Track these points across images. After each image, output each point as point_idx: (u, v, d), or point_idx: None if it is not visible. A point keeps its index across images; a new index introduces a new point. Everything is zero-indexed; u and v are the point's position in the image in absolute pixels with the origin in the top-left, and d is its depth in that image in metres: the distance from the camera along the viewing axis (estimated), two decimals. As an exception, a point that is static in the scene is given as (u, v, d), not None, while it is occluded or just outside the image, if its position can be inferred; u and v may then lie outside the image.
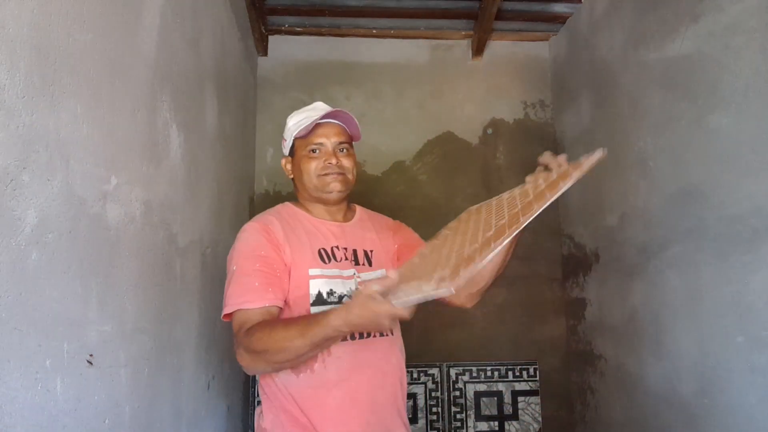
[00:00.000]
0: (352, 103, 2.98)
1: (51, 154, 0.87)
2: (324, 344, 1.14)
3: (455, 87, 3.04)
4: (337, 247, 1.36)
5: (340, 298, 1.29)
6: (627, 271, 2.18)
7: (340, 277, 1.32)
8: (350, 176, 1.39)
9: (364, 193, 2.91)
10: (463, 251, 0.98)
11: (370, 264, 1.40)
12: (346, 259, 1.36)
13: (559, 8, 2.81)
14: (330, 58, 3.00)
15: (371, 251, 1.42)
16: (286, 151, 1.46)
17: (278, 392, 1.28)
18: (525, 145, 3.02)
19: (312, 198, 1.41)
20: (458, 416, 2.76)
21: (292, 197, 2.96)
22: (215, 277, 1.98)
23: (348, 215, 1.47)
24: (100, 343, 1.05)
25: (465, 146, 3.00)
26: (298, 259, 1.30)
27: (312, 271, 1.29)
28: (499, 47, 3.06)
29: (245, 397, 2.62)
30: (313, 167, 1.36)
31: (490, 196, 3.25)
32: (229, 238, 2.30)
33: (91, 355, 1.00)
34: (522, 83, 3.07)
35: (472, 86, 3.04)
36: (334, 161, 1.35)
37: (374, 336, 1.31)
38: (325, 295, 1.29)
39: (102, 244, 1.06)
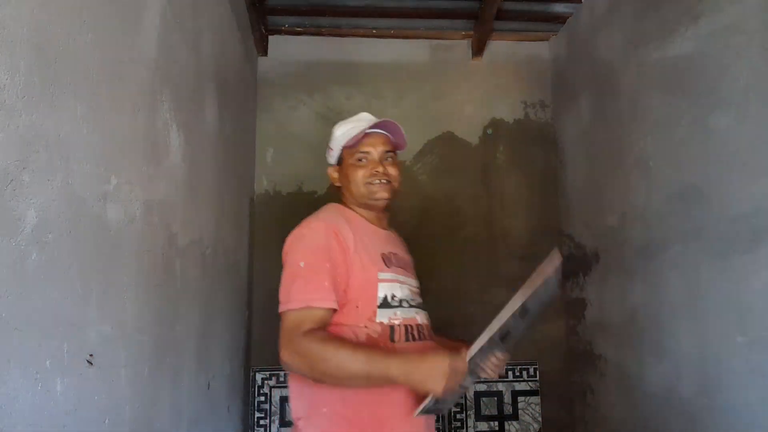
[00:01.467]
0: (352, 104, 2.98)
1: (51, 154, 0.87)
2: (377, 382, 1.19)
3: (455, 87, 3.03)
4: (393, 253, 1.42)
5: (400, 302, 1.35)
6: (627, 271, 2.18)
7: (397, 281, 1.37)
8: (395, 184, 1.45)
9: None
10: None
11: (412, 272, 1.49)
12: (399, 264, 1.42)
13: (559, 8, 2.81)
14: (330, 58, 2.99)
15: (408, 261, 1.51)
16: (333, 160, 1.51)
17: (327, 398, 1.27)
18: (525, 145, 3.02)
19: (359, 204, 1.45)
20: (458, 416, 2.76)
21: (292, 198, 2.98)
22: (215, 277, 1.98)
23: (387, 222, 1.55)
24: (100, 343, 1.05)
25: (465, 146, 3.00)
26: (366, 262, 1.32)
27: (381, 275, 1.33)
28: (499, 47, 3.06)
29: (245, 397, 2.62)
30: (360, 175, 1.41)
31: (490, 196, 3.26)
32: (229, 238, 2.32)
33: (91, 355, 1.00)
34: (522, 83, 3.07)
35: (472, 86, 3.04)
36: (380, 170, 1.41)
37: (418, 340, 1.35)
38: (389, 299, 1.33)
39: (102, 244, 1.06)
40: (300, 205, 2.87)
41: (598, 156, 2.48)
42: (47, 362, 0.86)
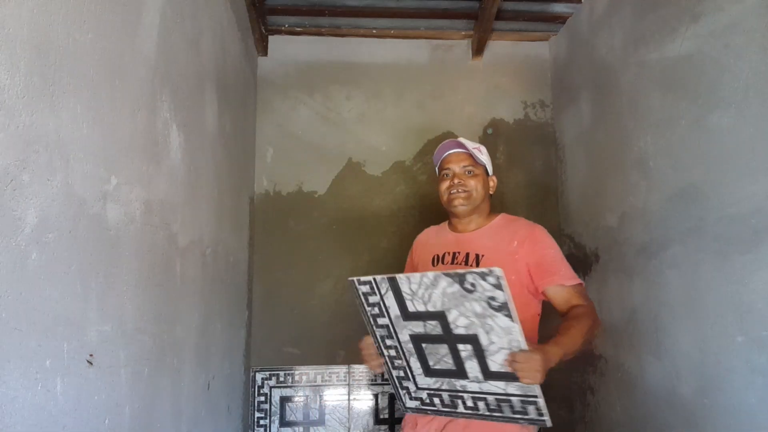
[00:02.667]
0: (352, 103, 2.98)
1: (51, 154, 0.87)
2: None
3: (455, 87, 3.03)
4: (449, 253, 1.67)
5: None
6: (627, 271, 2.18)
7: None
8: (475, 193, 1.67)
9: (364, 193, 2.92)
10: None
11: (477, 265, 1.62)
12: (455, 261, 1.65)
13: (559, 8, 2.81)
14: (330, 58, 3.00)
15: (482, 255, 1.63)
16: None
17: None
18: (525, 145, 3.02)
19: (448, 210, 1.74)
20: (458, 416, 2.76)
21: (292, 198, 3.00)
22: (215, 277, 1.98)
23: (479, 223, 1.73)
24: (100, 343, 1.05)
25: (465, 146, 2.99)
26: (421, 265, 1.74)
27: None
28: (499, 47, 3.06)
29: (245, 397, 2.62)
30: (443, 188, 1.71)
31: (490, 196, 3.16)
32: (229, 238, 2.32)
33: (91, 355, 1.00)
34: (522, 83, 3.07)
35: (472, 86, 3.04)
36: (457, 181, 1.67)
37: None
38: None
39: (102, 244, 1.06)
40: (300, 205, 2.87)
41: (598, 156, 2.48)
42: (47, 362, 0.86)
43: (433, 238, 1.79)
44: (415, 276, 1.35)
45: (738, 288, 1.55)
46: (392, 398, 2.74)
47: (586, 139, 2.61)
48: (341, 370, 2.75)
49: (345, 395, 2.73)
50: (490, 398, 1.40)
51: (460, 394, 1.44)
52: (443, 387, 1.47)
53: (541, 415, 1.34)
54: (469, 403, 1.44)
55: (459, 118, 3.00)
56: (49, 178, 0.87)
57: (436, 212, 2.96)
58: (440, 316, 1.36)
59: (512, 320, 1.27)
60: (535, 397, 1.33)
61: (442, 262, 1.67)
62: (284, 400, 2.70)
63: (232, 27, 2.30)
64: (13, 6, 0.78)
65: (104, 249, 1.07)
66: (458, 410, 1.47)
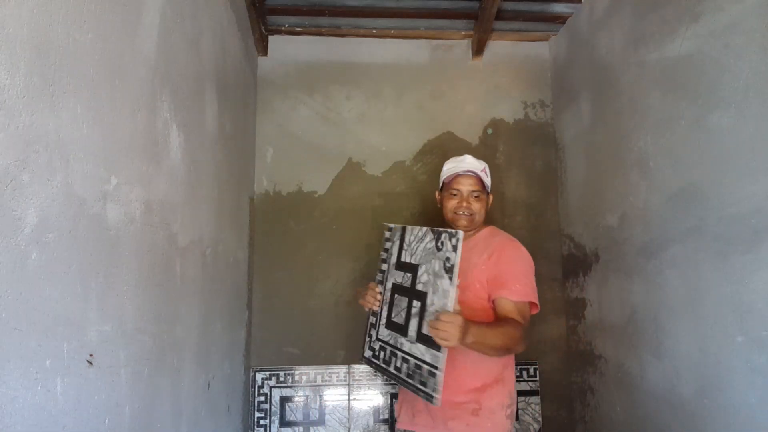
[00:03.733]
0: (352, 103, 2.98)
1: (51, 154, 0.87)
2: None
3: (455, 87, 3.03)
4: None
5: None
6: (627, 271, 2.18)
7: None
8: (477, 216, 1.87)
9: (364, 193, 2.92)
10: None
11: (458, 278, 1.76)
12: None
13: (559, 8, 2.81)
14: (330, 58, 3.00)
15: (466, 270, 1.70)
16: (440, 186, 1.98)
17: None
18: (525, 145, 3.02)
19: (447, 225, 1.89)
20: (458, 416, 2.76)
21: (292, 198, 3.00)
22: (215, 277, 1.98)
23: (469, 236, 1.88)
24: (100, 343, 1.05)
25: (465, 146, 3.00)
26: None
27: None
28: (499, 47, 3.06)
29: (245, 397, 2.62)
30: (451, 206, 1.88)
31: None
32: (229, 238, 2.31)
33: (91, 355, 1.00)
34: (522, 83, 3.07)
35: (472, 86, 3.04)
36: (465, 204, 1.85)
37: None
38: None
39: (102, 244, 1.06)
40: (300, 205, 2.88)
41: (598, 156, 2.48)
42: (47, 362, 0.86)
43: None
44: (416, 229, 1.55)
45: (738, 288, 1.55)
46: (393, 397, 2.74)
47: (586, 139, 2.61)
48: (341, 370, 2.75)
49: (345, 395, 2.73)
50: (411, 362, 1.49)
51: (396, 352, 1.57)
52: (389, 341, 1.60)
53: (434, 391, 1.40)
54: (398, 363, 1.54)
55: (459, 118, 3.01)
56: (49, 178, 0.87)
57: (436, 212, 2.96)
58: (413, 269, 1.54)
59: (451, 283, 1.40)
60: (436, 369, 1.39)
61: None
62: (284, 400, 2.70)
63: (232, 27, 2.30)
64: (13, 6, 0.78)
65: (104, 249, 1.07)
66: (390, 368, 1.58)
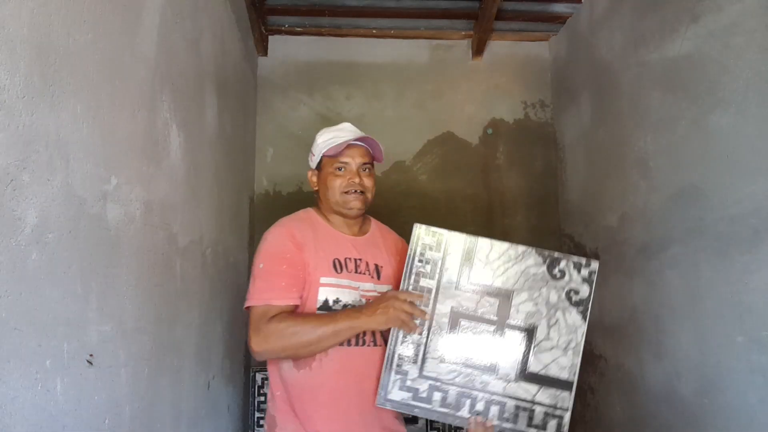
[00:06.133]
0: (352, 103, 2.98)
1: (51, 154, 0.87)
2: (345, 335, 1.32)
3: (455, 87, 3.03)
4: (350, 259, 1.47)
5: (344, 306, 1.42)
6: (627, 271, 2.18)
7: (349, 287, 1.44)
8: (369, 195, 1.51)
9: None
10: None
11: (379, 278, 1.51)
12: (358, 270, 1.47)
13: (559, 8, 2.81)
14: (330, 58, 3.00)
15: (381, 266, 1.53)
16: (313, 164, 1.59)
17: (281, 384, 1.42)
18: (525, 145, 3.02)
19: (332, 210, 1.52)
20: (458, 416, 2.75)
21: (292, 198, 2.98)
22: (215, 277, 1.98)
23: (363, 229, 1.59)
24: (100, 343, 1.05)
25: (465, 146, 3.00)
26: (313, 265, 1.41)
27: (323, 279, 1.41)
28: (499, 47, 3.06)
29: (245, 397, 2.62)
30: (337, 184, 1.48)
31: (490, 197, 3.23)
32: (229, 238, 2.32)
33: (91, 355, 1.00)
34: (522, 83, 3.07)
35: (472, 86, 3.04)
36: (357, 180, 1.48)
37: (364, 345, 1.42)
38: (330, 303, 1.41)
39: (102, 244, 1.06)
40: (300, 205, 2.85)
41: (598, 156, 2.48)
42: (47, 362, 0.86)
43: (321, 236, 1.49)
44: (503, 244, 1.29)
45: (738, 288, 1.55)
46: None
47: (586, 139, 2.60)
48: (341, 370, 2.75)
49: (345, 395, 2.73)
50: (509, 403, 1.27)
51: (475, 393, 1.28)
52: (457, 380, 1.29)
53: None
54: (479, 407, 1.28)
55: (459, 118, 3.00)
56: (49, 178, 0.87)
57: (437, 212, 2.97)
58: (504, 295, 1.26)
59: (584, 320, 1.23)
60: (565, 410, 1.25)
61: (346, 269, 1.45)
62: (284, 400, 2.70)
63: (232, 27, 2.30)
64: (13, 6, 0.78)
65: (104, 249, 1.07)
66: (458, 413, 1.29)
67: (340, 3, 2.79)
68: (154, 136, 1.36)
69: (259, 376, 2.70)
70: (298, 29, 2.93)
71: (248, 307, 1.38)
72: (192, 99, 1.70)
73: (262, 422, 2.68)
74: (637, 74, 2.11)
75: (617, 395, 2.28)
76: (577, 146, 2.71)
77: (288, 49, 2.98)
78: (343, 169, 1.50)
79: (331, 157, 1.50)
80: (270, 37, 2.97)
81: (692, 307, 1.76)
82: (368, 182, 1.51)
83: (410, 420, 2.53)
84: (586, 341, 2.61)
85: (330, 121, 2.98)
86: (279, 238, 1.44)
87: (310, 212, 1.58)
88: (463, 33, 2.98)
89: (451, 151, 2.99)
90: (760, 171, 1.47)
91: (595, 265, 1.19)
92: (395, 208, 2.90)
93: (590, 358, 2.53)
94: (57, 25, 0.90)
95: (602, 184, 2.41)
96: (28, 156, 0.81)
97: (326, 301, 1.40)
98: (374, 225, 1.63)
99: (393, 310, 1.28)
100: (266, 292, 1.36)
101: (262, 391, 2.70)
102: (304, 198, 2.88)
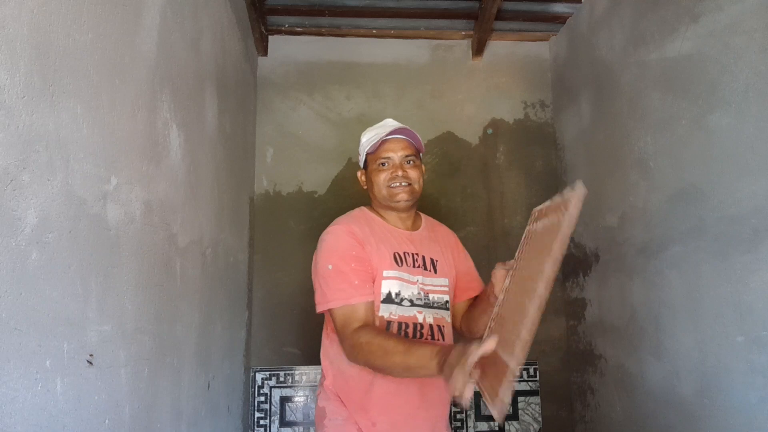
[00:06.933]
0: (352, 103, 2.98)
1: (51, 154, 0.87)
2: (416, 373, 1.23)
3: (455, 87, 3.03)
4: (408, 253, 1.49)
5: (401, 300, 1.44)
6: (627, 271, 2.18)
7: (408, 281, 1.46)
8: (416, 186, 1.52)
9: (364, 193, 2.91)
10: (519, 329, 1.06)
11: (435, 272, 1.52)
12: (416, 264, 1.49)
13: (559, 8, 2.81)
14: (330, 58, 3.00)
15: (436, 260, 1.55)
16: (361, 164, 1.61)
17: (332, 376, 1.47)
18: (525, 145, 3.02)
19: (383, 206, 1.54)
20: (458, 416, 2.76)
21: (292, 198, 2.97)
22: (215, 277, 1.98)
23: (416, 223, 1.61)
24: (100, 343, 1.05)
25: (465, 146, 3.00)
26: (376, 259, 1.43)
27: (386, 273, 1.43)
28: (499, 47, 3.06)
29: (245, 397, 2.62)
30: (382, 179, 1.49)
31: (490, 196, 3.23)
32: (229, 238, 2.31)
33: (91, 355, 1.00)
34: (522, 83, 3.07)
35: (472, 86, 3.04)
36: (400, 173, 1.48)
37: (429, 338, 1.45)
38: (393, 295, 1.43)
39: (102, 244, 1.06)
40: (300, 205, 2.88)
41: (598, 156, 2.48)
42: (47, 362, 0.86)
43: (378, 231, 1.50)
44: None
45: (738, 288, 1.55)
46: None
47: (586, 139, 2.61)
48: (341, 370, 2.75)
49: (345, 395, 2.73)
50: None
51: None
52: None
53: None
54: None
55: (459, 118, 3.00)
56: (49, 178, 0.87)
57: (437, 212, 2.97)
58: None
59: None
60: None
61: (405, 263, 1.48)
62: (284, 400, 2.70)
63: (232, 27, 2.30)
64: (13, 6, 0.78)
65: (104, 249, 1.07)
66: None
67: (340, 3, 2.79)
68: (154, 136, 1.36)
69: (259, 376, 2.71)
70: (298, 29, 2.93)
71: (327, 310, 1.40)
72: (192, 99, 1.70)
73: (262, 422, 2.68)
74: (637, 74, 2.11)
75: (617, 395, 2.28)
76: (577, 146, 2.71)
77: (288, 49, 2.98)
78: (386, 164, 1.50)
79: (373, 154, 1.52)
80: (270, 37, 2.97)
81: (692, 307, 1.76)
82: (413, 174, 1.51)
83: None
84: (586, 341, 2.61)
85: (330, 121, 3.00)
86: (342, 237, 1.43)
87: (363, 210, 1.58)
88: (463, 33, 2.98)
89: (451, 151, 2.99)
90: (760, 171, 1.47)
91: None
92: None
93: (590, 358, 2.53)
94: (57, 25, 0.89)
95: (602, 184, 2.41)
96: (28, 156, 0.81)
97: (389, 294, 1.42)
98: (425, 219, 1.65)
99: (455, 380, 1.06)
100: (342, 292, 1.36)
101: (262, 391, 2.70)
102: (305, 198, 2.88)
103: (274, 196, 2.88)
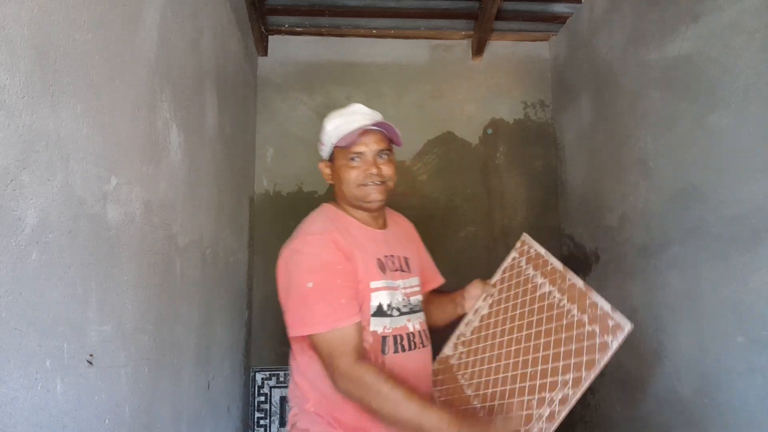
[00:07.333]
0: (352, 103, 2.98)
1: (51, 154, 0.87)
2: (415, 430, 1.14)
3: (455, 87, 3.03)
4: (387, 256, 1.37)
5: (392, 310, 1.32)
6: (627, 271, 2.18)
7: (393, 288, 1.34)
8: (390, 183, 1.37)
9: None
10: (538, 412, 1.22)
11: (409, 271, 1.43)
12: (395, 268, 1.37)
13: (559, 8, 2.81)
14: (330, 58, 3.00)
15: (408, 258, 1.45)
16: (325, 155, 1.42)
17: (315, 395, 1.30)
18: (525, 145, 3.02)
19: (352, 205, 1.38)
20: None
21: (292, 198, 2.96)
22: (215, 277, 1.98)
23: (385, 218, 1.48)
24: (100, 343, 1.05)
25: (465, 146, 3.00)
26: (361, 272, 1.28)
27: (374, 284, 1.30)
28: (499, 47, 3.06)
29: (245, 397, 2.62)
30: (353, 177, 1.33)
31: (490, 196, 3.23)
32: (229, 238, 2.31)
33: (91, 355, 1.00)
34: (522, 83, 3.07)
35: (472, 86, 3.04)
36: (374, 171, 1.32)
37: (414, 349, 1.36)
38: (385, 308, 1.30)
39: (102, 244, 1.06)
40: (300, 205, 2.87)
41: (598, 156, 2.48)
42: (47, 362, 0.86)
43: (356, 236, 1.34)
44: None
45: (738, 288, 1.55)
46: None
47: (586, 139, 2.61)
48: (341, 370, 2.75)
49: (345, 395, 2.73)
50: None
51: None
52: None
53: None
54: None
55: (459, 118, 3.01)
56: (49, 178, 0.87)
57: (437, 212, 2.97)
58: None
59: None
60: None
61: (388, 268, 1.36)
62: (284, 400, 2.69)
63: (232, 27, 2.30)
64: (13, 6, 0.78)
65: (104, 249, 1.07)
66: None
67: (340, 3, 2.79)
68: (154, 136, 1.36)
69: (259, 376, 2.71)
70: (298, 29, 2.93)
71: (309, 335, 1.23)
72: (192, 99, 1.70)
73: (262, 422, 2.68)
74: (637, 74, 2.11)
75: (617, 395, 2.28)
76: (577, 146, 2.71)
77: (288, 49, 2.98)
78: (357, 159, 1.33)
79: (344, 148, 1.33)
80: (270, 37, 2.97)
81: (692, 307, 1.76)
82: (387, 170, 1.35)
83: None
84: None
85: (330, 121, 2.99)
86: (324, 249, 1.25)
87: (333, 210, 1.40)
88: (463, 33, 2.98)
89: (451, 151, 2.99)
90: (760, 171, 1.47)
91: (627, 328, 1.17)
92: (395, 208, 2.90)
93: (590, 358, 2.52)
94: (57, 25, 0.89)
95: (602, 184, 2.41)
96: (28, 156, 0.81)
97: (380, 306, 1.29)
98: (387, 212, 1.51)
99: None
100: (328, 316, 1.19)
101: (262, 391, 2.70)
102: (304, 198, 2.88)
103: (274, 196, 2.88)
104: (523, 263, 1.47)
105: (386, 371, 1.23)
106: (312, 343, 1.24)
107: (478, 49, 2.99)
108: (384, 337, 1.29)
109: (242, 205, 2.56)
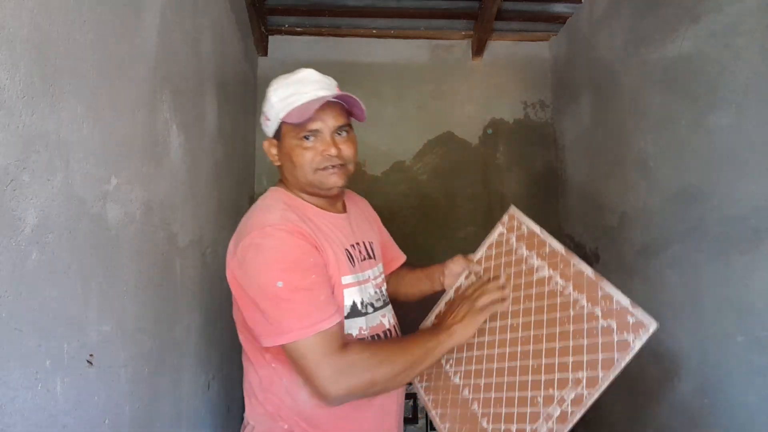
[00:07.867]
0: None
1: (51, 154, 0.87)
2: (437, 352, 1.09)
3: (455, 87, 3.04)
4: (353, 245, 1.19)
5: (366, 307, 1.17)
6: (627, 271, 2.18)
7: (364, 281, 1.18)
8: (351, 166, 1.17)
9: (364, 193, 2.91)
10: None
11: (375, 257, 1.27)
12: (362, 257, 1.21)
13: (559, 8, 2.81)
14: (330, 58, 3.00)
15: (372, 243, 1.29)
16: (270, 132, 1.17)
17: (286, 408, 1.14)
18: (525, 145, 3.02)
19: (307, 191, 1.18)
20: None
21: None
22: (215, 277, 1.98)
23: (344, 203, 1.30)
24: (100, 343, 1.05)
25: (465, 146, 3.00)
26: (332, 266, 1.10)
27: (345, 279, 1.12)
28: (499, 47, 3.06)
29: (245, 397, 2.62)
30: (308, 160, 1.11)
31: (490, 196, 3.24)
32: (229, 238, 2.30)
33: (91, 355, 1.00)
34: (522, 83, 3.07)
35: (472, 86, 3.04)
36: (333, 152, 1.11)
37: None
38: (359, 306, 1.14)
39: (102, 244, 1.06)
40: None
41: (598, 156, 2.48)
42: (47, 362, 0.86)
43: (319, 225, 1.14)
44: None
45: (738, 288, 1.55)
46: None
47: (586, 139, 2.61)
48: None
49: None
50: None
51: None
52: None
53: None
54: None
55: (459, 118, 3.01)
56: (49, 178, 0.87)
57: (437, 212, 2.97)
58: None
59: None
60: None
61: (357, 259, 1.19)
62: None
63: (232, 27, 2.30)
64: (13, 6, 0.78)
65: (104, 249, 1.07)
66: None
67: (340, 3, 2.79)
68: (154, 136, 1.36)
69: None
70: (298, 29, 2.93)
71: (286, 343, 1.01)
72: (192, 99, 1.70)
73: (262, 422, 2.67)
74: (637, 74, 2.11)
75: (617, 395, 2.28)
76: (577, 146, 2.71)
77: (288, 49, 2.98)
78: (312, 139, 1.11)
79: (294, 125, 1.10)
80: (270, 37, 2.97)
81: (692, 307, 1.76)
82: (348, 151, 1.13)
83: (410, 420, 2.53)
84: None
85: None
86: (290, 240, 1.03)
87: (286, 194, 1.18)
88: (463, 33, 2.98)
89: (451, 151, 2.99)
90: (760, 171, 1.47)
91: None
92: (395, 208, 2.90)
93: (590, 358, 2.52)
94: (57, 25, 0.90)
95: (602, 184, 2.41)
96: (28, 156, 0.81)
97: (354, 305, 1.13)
98: (345, 194, 1.33)
99: (484, 307, 1.12)
100: (307, 318, 0.99)
101: (262, 391, 2.70)
102: (304, 198, 2.88)
103: (274, 196, 2.88)
104: (513, 240, 1.25)
105: (369, 342, 1.11)
106: (286, 351, 1.03)
107: (478, 49, 2.99)
108: (362, 340, 1.13)
109: (242, 205, 2.56)
